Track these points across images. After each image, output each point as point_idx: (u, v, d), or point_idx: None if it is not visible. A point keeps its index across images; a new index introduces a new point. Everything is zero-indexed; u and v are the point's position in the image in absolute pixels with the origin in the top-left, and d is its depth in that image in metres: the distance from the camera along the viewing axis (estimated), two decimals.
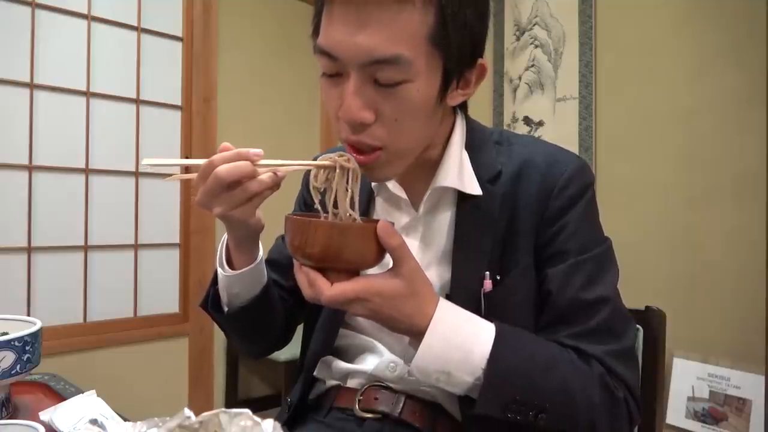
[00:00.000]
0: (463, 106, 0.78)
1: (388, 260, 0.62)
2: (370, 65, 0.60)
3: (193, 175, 0.67)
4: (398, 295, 0.61)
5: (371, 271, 0.64)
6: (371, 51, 0.59)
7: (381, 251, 0.61)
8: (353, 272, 0.61)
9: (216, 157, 0.64)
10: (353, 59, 0.60)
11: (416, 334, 0.63)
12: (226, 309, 0.81)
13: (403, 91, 0.61)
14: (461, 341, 0.63)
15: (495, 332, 0.64)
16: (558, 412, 0.63)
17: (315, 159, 0.93)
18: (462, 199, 0.74)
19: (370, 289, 0.60)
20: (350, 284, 0.59)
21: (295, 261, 0.63)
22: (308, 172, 0.92)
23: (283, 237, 0.94)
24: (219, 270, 0.79)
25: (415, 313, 0.62)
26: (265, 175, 0.65)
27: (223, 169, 0.62)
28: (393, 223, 0.62)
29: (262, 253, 0.79)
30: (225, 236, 0.78)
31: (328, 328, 0.82)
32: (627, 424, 0.68)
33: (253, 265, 0.77)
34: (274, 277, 0.87)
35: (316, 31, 0.66)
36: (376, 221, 0.61)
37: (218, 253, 0.79)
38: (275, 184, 0.66)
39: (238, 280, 0.78)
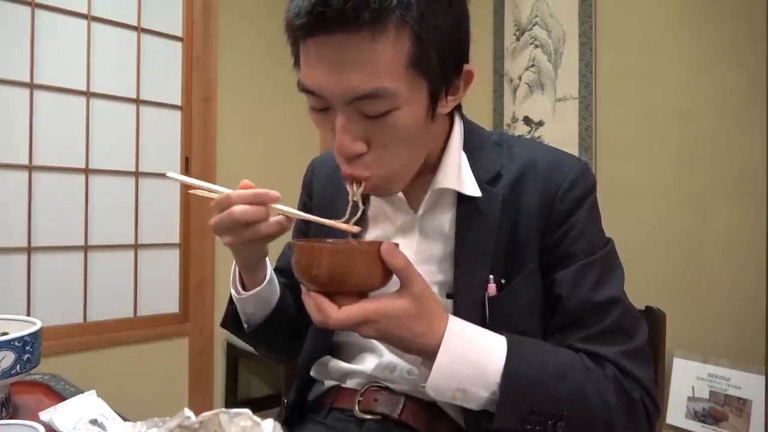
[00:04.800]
0: (458, 107, 0.78)
1: (397, 281, 0.62)
2: (354, 101, 0.61)
3: (214, 194, 0.69)
4: (407, 315, 0.60)
5: (380, 292, 0.63)
6: (353, 89, 0.60)
7: (387, 272, 0.61)
8: (361, 295, 0.61)
9: (233, 195, 0.67)
10: (337, 98, 0.61)
11: (428, 354, 0.63)
12: (246, 326, 0.84)
13: (391, 119, 0.62)
14: (475, 357, 0.63)
15: (506, 344, 0.64)
16: (576, 419, 0.63)
17: (312, 163, 0.94)
18: (461, 200, 0.74)
19: (377, 311, 0.59)
20: (357, 306, 0.59)
21: (302, 286, 0.63)
22: (307, 175, 0.93)
23: (290, 245, 0.95)
24: (233, 292, 0.81)
25: (426, 333, 0.62)
26: (275, 218, 0.68)
27: (237, 210, 0.66)
28: (398, 245, 0.62)
29: (270, 273, 0.81)
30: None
31: (324, 328, 0.82)
32: (645, 424, 0.68)
33: (260, 288, 0.79)
34: (285, 281, 0.89)
35: (297, 64, 0.66)
36: (380, 243, 0.61)
37: (231, 276, 0.81)
38: (284, 229, 0.70)
39: (251, 301, 0.80)
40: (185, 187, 2.49)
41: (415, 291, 0.61)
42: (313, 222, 0.89)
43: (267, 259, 0.80)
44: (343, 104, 0.61)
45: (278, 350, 0.92)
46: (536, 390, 0.63)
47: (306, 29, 0.60)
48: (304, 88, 0.64)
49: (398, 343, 0.63)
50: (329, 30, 0.58)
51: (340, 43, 0.58)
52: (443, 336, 0.62)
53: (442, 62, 0.63)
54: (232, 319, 0.84)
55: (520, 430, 0.63)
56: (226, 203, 0.67)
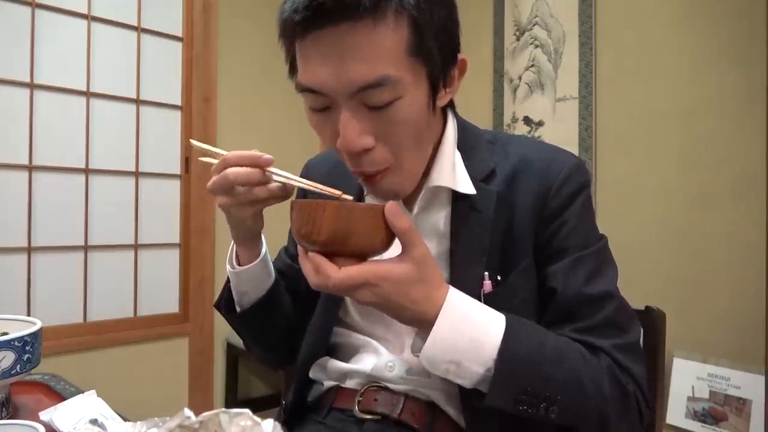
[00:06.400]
0: (452, 106, 0.78)
1: (396, 249, 0.61)
2: (359, 92, 0.60)
3: (215, 160, 0.70)
4: (407, 281, 0.59)
5: (380, 257, 0.62)
6: (357, 79, 0.59)
7: (389, 235, 0.59)
8: (361, 257, 0.60)
9: (230, 155, 0.67)
10: (341, 91, 0.61)
11: (425, 323, 0.61)
12: (238, 308, 0.82)
13: (396, 108, 0.62)
14: (472, 330, 0.62)
15: (505, 322, 0.63)
16: (569, 405, 0.63)
17: (307, 164, 0.94)
18: (456, 198, 0.74)
19: (378, 273, 0.58)
20: (358, 268, 0.58)
21: (300, 249, 0.62)
22: (302, 176, 0.93)
23: (286, 248, 0.95)
24: (228, 267, 0.80)
25: (424, 300, 0.60)
26: (274, 185, 0.68)
27: (231, 172, 0.66)
28: (400, 209, 0.60)
29: (264, 250, 0.80)
30: None
31: (321, 328, 0.82)
32: (637, 419, 0.68)
33: (255, 262, 0.78)
34: (285, 284, 0.88)
35: (292, 70, 0.66)
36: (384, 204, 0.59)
37: (228, 253, 0.81)
38: (283, 196, 0.69)
39: (245, 278, 0.79)
40: (184, 186, 2.49)
41: (417, 255, 0.59)
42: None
43: (263, 238, 0.80)
44: (347, 97, 0.61)
45: (267, 346, 0.89)
46: (532, 371, 0.62)
47: (306, 23, 0.59)
48: (303, 88, 0.63)
49: (396, 311, 0.61)
50: (330, 21, 0.58)
51: (341, 34, 0.58)
52: (442, 306, 0.61)
53: (441, 51, 0.64)
54: (226, 300, 0.83)
55: (512, 411, 0.62)
56: (222, 165, 0.67)
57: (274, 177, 0.67)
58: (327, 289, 0.58)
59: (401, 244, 0.60)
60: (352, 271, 0.57)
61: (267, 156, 0.67)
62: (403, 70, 0.61)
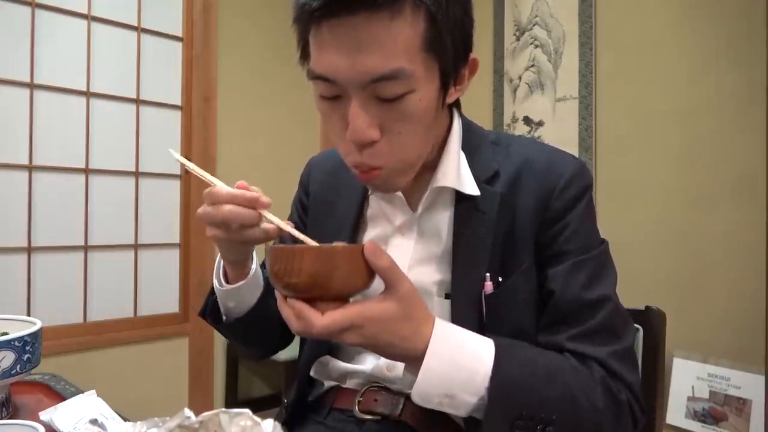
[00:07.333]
0: (457, 105, 0.78)
1: (376, 286, 0.60)
2: (371, 84, 0.60)
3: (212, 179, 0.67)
4: (393, 319, 0.58)
5: (361, 296, 0.61)
6: (371, 70, 0.59)
7: (370, 275, 0.58)
8: (342, 299, 0.58)
9: (226, 193, 0.65)
10: (353, 82, 0.60)
11: (414, 359, 0.60)
12: (224, 318, 0.83)
13: (406, 102, 0.61)
14: (463, 361, 0.61)
15: (494, 347, 0.63)
16: (564, 422, 0.62)
17: (310, 162, 0.94)
18: (460, 199, 0.74)
19: (362, 314, 0.56)
20: (342, 312, 0.56)
21: (278, 295, 0.60)
22: (305, 173, 0.93)
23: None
24: (214, 282, 0.80)
25: (412, 336, 0.59)
26: (265, 226, 0.66)
27: (227, 209, 0.64)
28: (380, 246, 0.60)
29: (255, 267, 0.79)
30: None
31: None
32: (631, 425, 0.67)
33: (243, 282, 0.77)
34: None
35: (304, 55, 0.66)
36: (362, 244, 0.58)
37: (215, 267, 0.80)
38: (271, 238, 0.68)
39: (232, 294, 0.79)
40: (184, 186, 2.49)
41: (402, 293, 0.58)
42: (309, 222, 0.89)
43: (254, 253, 0.79)
44: (359, 88, 0.60)
45: (252, 346, 0.90)
46: (525, 394, 0.61)
47: (323, 11, 0.58)
48: (315, 75, 0.63)
49: (384, 349, 0.60)
50: (348, 10, 0.57)
51: (358, 24, 0.58)
52: (430, 339, 0.60)
53: (454, 47, 0.64)
54: (211, 310, 0.83)
55: None
56: (217, 198, 0.65)
57: (266, 221, 0.65)
58: (311, 335, 0.57)
59: (384, 282, 0.59)
60: (336, 316, 0.56)
61: (266, 199, 0.65)
62: (416, 64, 0.60)
